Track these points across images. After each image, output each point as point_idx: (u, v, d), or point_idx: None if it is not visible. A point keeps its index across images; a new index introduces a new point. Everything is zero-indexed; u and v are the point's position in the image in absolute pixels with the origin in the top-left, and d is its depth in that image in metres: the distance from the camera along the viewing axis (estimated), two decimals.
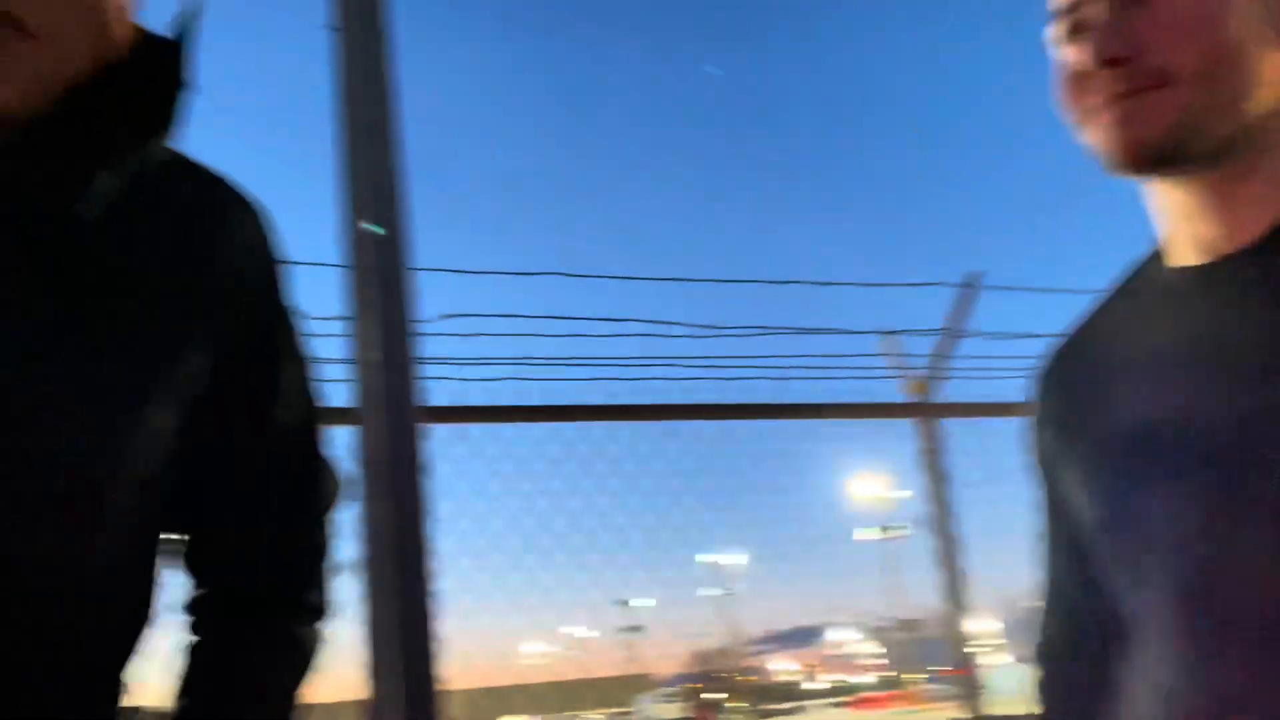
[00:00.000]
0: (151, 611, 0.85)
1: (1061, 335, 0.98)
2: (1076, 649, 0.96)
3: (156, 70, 0.77)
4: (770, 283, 3.80)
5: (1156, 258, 0.89)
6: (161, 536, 0.86)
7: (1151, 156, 0.78)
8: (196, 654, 0.87)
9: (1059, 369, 0.97)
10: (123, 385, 0.75)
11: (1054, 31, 0.85)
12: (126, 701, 0.83)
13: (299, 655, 0.90)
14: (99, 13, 0.72)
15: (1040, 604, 1.00)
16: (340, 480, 0.97)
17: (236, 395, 0.85)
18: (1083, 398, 0.90)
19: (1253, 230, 0.79)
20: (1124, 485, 0.82)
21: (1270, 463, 0.71)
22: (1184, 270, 0.84)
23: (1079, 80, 0.82)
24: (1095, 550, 0.88)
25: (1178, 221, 0.84)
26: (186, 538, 0.89)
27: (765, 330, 3.58)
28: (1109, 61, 0.79)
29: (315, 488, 0.93)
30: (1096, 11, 0.81)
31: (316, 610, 0.93)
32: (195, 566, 0.89)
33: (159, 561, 0.86)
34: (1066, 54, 0.84)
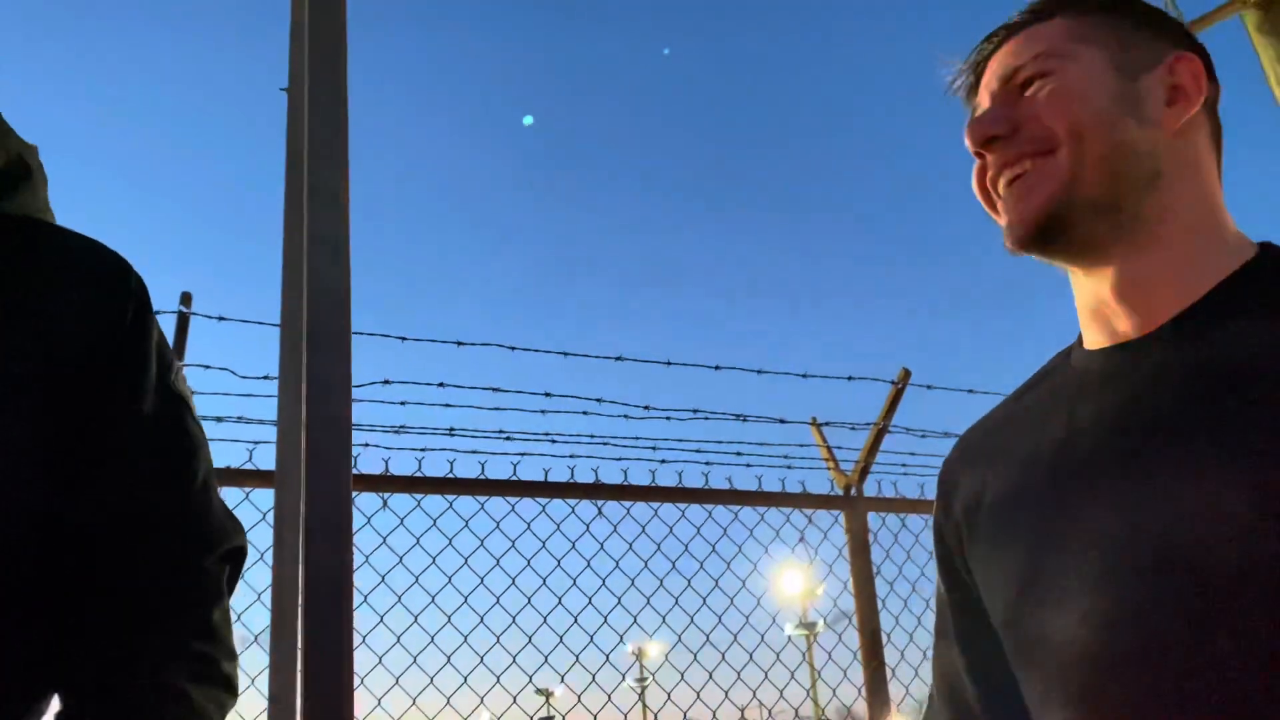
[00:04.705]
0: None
1: (974, 424, 0.98)
2: None
3: None
4: (707, 367, 3.83)
5: (1074, 346, 0.91)
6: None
7: (1040, 225, 0.83)
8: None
9: (970, 457, 0.95)
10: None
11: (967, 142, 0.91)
12: None
13: (184, 711, 0.81)
14: None
15: (932, 694, 0.99)
16: (232, 526, 0.92)
17: (85, 447, 0.84)
18: (994, 487, 0.89)
19: (1161, 318, 0.81)
20: (1043, 580, 0.79)
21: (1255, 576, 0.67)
22: (1097, 352, 0.86)
23: (979, 173, 0.90)
24: (1000, 646, 0.86)
25: (1092, 310, 0.87)
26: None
27: (700, 414, 3.58)
28: (989, 140, 0.86)
29: (193, 528, 0.88)
30: (982, 108, 0.90)
31: (209, 662, 0.84)
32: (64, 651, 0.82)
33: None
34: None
